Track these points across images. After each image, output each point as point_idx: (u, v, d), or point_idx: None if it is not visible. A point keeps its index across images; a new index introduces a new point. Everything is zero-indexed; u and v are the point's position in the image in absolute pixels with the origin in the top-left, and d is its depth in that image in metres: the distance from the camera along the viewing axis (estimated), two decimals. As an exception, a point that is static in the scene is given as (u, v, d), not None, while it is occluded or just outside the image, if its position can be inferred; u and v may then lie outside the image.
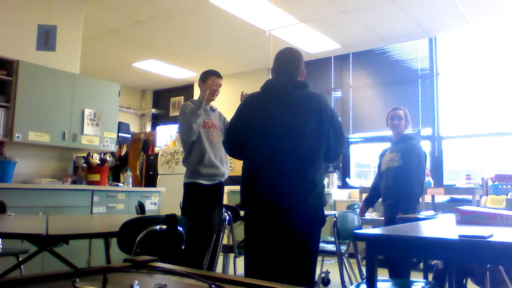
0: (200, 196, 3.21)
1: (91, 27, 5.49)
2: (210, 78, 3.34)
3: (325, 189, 5.93)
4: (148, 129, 9.11)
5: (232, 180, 6.97)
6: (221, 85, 3.40)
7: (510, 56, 5.33)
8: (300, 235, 2.07)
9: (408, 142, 3.55)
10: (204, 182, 3.23)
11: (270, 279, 0.88)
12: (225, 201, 6.63)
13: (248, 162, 2.22)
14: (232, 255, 3.59)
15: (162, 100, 9.16)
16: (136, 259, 0.99)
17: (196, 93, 6.84)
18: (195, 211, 3.11)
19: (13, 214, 2.84)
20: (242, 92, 3.23)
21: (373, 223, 5.09)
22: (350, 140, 6.57)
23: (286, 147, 2.11)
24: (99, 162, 4.79)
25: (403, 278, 3.13)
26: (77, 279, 0.77)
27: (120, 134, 6.12)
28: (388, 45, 6.24)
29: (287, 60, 2.31)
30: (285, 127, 2.13)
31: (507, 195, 4.43)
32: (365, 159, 6.70)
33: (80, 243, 3.98)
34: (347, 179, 6.44)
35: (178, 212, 2.93)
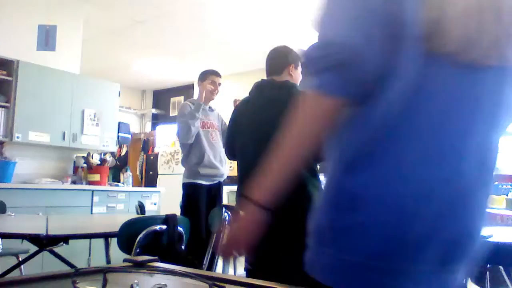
0: (200, 196, 3.22)
1: (91, 27, 5.48)
2: (208, 78, 3.35)
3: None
4: (148, 129, 9.11)
5: (232, 180, 6.98)
6: (220, 83, 3.40)
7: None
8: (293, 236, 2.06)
9: None
10: (204, 183, 3.24)
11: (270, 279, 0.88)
12: (225, 201, 6.64)
13: (238, 164, 2.31)
14: (232, 255, 3.58)
15: (162, 100, 9.16)
16: (136, 259, 0.99)
17: (196, 92, 6.84)
18: (194, 211, 3.12)
19: (13, 214, 2.84)
20: (235, 99, 3.27)
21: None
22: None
23: (262, 148, 2.12)
24: (99, 162, 4.79)
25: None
26: (77, 279, 0.77)
27: (120, 134, 6.12)
28: (388, 45, 6.23)
29: (271, 59, 2.31)
30: (259, 129, 2.15)
31: (507, 195, 4.43)
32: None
33: (80, 243, 3.97)
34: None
35: (178, 212, 2.93)
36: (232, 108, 3.38)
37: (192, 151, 3.23)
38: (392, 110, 0.72)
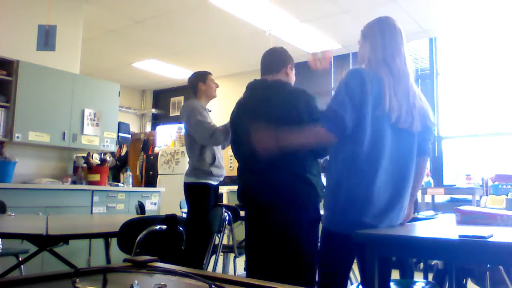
0: (210, 196, 3.28)
1: (91, 27, 5.48)
2: (209, 79, 3.48)
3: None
4: (148, 129, 9.11)
5: (232, 180, 6.97)
6: None
7: (510, 56, 5.33)
8: (287, 236, 2.06)
9: None
10: (213, 183, 3.31)
11: (270, 279, 0.88)
12: (225, 201, 6.64)
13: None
14: (232, 255, 3.59)
15: (162, 100, 9.16)
16: (136, 259, 0.99)
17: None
18: (204, 211, 3.15)
19: (13, 214, 2.84)
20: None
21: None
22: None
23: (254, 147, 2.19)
24: (99, 162, 4.78)
25: (406, 279, 3.13)
26: (77, 279, 0.77)
27: (120, 134, 6.12)
28: (388, 45, 6.22)
29: (268, 59, 2.33)
30: (243, 129, 2.20)
31: (507, 195, 4.42)
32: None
33: (80, 243, 3.98)
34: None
35: (178, 212, 2.93)
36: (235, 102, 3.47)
37: (205, 151, 3.28)
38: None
